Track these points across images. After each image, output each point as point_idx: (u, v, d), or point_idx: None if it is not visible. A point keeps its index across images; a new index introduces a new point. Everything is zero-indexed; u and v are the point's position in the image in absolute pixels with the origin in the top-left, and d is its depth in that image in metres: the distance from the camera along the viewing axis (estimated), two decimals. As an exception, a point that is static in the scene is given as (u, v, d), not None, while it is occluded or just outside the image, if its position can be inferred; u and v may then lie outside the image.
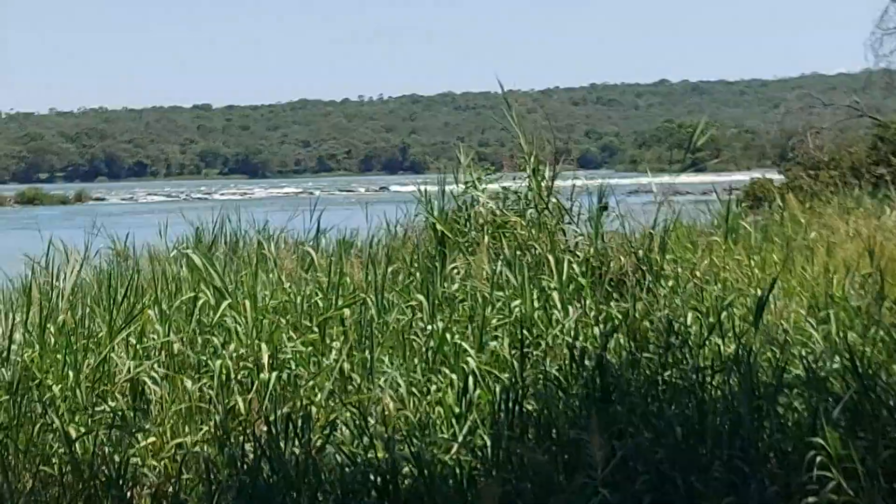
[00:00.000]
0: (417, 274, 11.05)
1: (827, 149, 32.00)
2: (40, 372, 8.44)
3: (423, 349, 9.16)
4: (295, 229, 14.57)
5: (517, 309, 9.68)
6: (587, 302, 10.10)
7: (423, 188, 13.01)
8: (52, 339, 8.89)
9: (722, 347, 8.28)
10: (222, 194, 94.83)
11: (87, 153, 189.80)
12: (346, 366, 8.79)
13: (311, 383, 8.68)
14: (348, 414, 7.93)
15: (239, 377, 8.76)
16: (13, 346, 8.69)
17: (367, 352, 8.79)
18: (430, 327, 9.30)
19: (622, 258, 11.07)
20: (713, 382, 7.52)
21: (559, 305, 9.79)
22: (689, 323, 9.22)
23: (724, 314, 8.98)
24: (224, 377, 8.58)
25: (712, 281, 11.05)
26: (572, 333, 9.01)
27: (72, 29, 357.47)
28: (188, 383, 8.56)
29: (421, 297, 9.86)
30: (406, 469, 6.89)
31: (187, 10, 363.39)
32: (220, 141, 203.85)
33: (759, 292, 9.76)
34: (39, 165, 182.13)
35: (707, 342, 8.40)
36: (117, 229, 15.54)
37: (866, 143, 30.49)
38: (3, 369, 8.38)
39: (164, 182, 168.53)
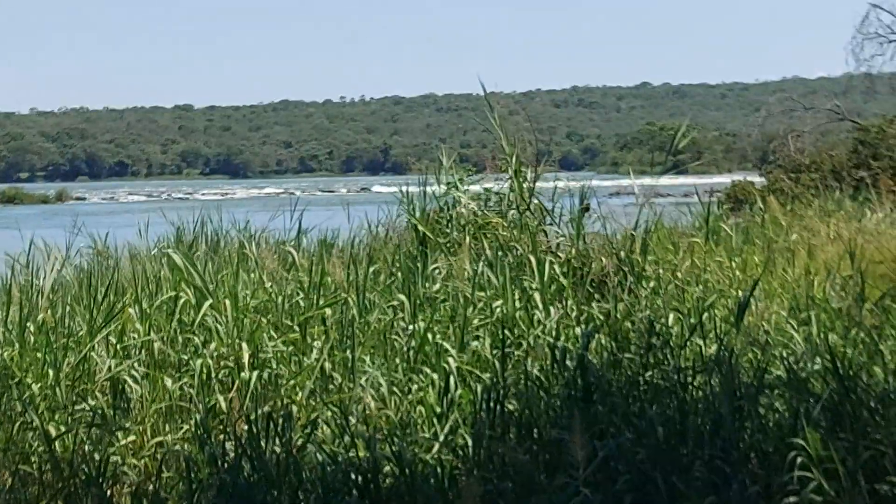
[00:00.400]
0: (399, 274, 11.04)
1: (808, 152, 32.10)
2: (20, 370, 8.41)
3: (405, 349, 9.15)
4: (276, 229, 14.57)
5: (499, 309, 9.68)
6: (569, 302, 10.11)
7: (404, 189, 13.01)
8: (32, 338, 8.86)
9: (703, 348, 8.29)
10: (203, 194, 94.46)
11: (68, 153, 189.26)
12: (328, 365, 8.78)
13: (292, 382, 8.67)
14: (329, 413, 7.92)
15: (220, 376, 8.75)
16: (-8, 345, 8.67)
17: (348, 351, 8.77)
18: (411, 327, 9.29)
19: (604, 259, 11.07)
20: (694, 383, 7.53)
21: (541, 306, 9.79)
22: (670, 324, 9.23)
23: (705, 315, 9.00)
24: (205, 376, 8.56)
25: (693, 282, 11.07)
26: (554, 334, 9.01)
27: (53, 28, 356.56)
28: (168, 382, 8.54)
29: (402, 297, 9.85)
30: (387, 468, 6.89)
31: (169, 9, 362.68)
32: (202, 141, 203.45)
33: (740, 293, 9.79)
34: (20, 165, 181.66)
35: (688, 343, 8.41)
36: (98, 229, 15.50)
37: (847, 146, 30.58)
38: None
39: (145, 182, 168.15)
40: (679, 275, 11.15)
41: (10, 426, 7.86)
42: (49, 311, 9.31)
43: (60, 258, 10.66)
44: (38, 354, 8.57)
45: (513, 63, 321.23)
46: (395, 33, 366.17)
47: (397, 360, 8.95)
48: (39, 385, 8.26)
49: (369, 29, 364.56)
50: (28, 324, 8.96)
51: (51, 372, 8.38)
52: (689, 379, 7.51)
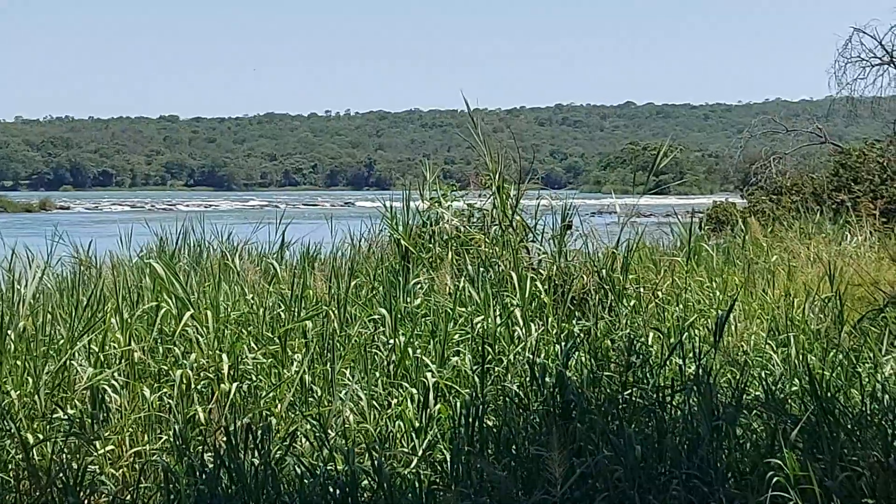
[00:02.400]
0: (380, 288, 11.05)
1: (789, 174, 32.21)
2: (-2, 378, 8.38)
3: (385, 363, 9.16)
4: (259, 242, 14.53)
5: (479, 325, 9.69)
6: (549, 320, 10.13)
7: (388, 203, 13.01)
8: (12, 346, 8.82)
9: (683, 367, 8.32)
10: (187, 206, 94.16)
11: (53, 162, 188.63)
12: (308, 378, 8.78)
13: (271, 394, 8.67)
14: (308, 426, 7.93)
15: (199, 387, 8.73)
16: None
17: (328, 364, 8.78)
18: (391, 341, 9.30)
19: (585, 277, 11.11)
20: (673, 402, 7.56)
21: (521, 322, 9.82)
22: (649, 342, 9.27)
23: (684, 335, 9.03)
24: (184, 387, 8.55)
25: (674, 301, 11.11)
26: (534, 350, 9.03)
27: (39, 37, 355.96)
28: (148, 392, 8.52)
29: (383, 311, 9.86)
30: (365, 482, 6.90)
31: (156, 20, 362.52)
32: (187, 153, 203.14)
33: (720, 313, 9.84)
34: (4, 173, 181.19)
35: (668, 362, 8.44)
36: (81, 238, 15.44)
37: (828, 169, 30.67)
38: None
39: (129, 192, 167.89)
40: (659, 294, 11.19)
41: (-13, 434, 7.83)
42: (30, 319, 9.27)
43: (42, 266, 10.60)
44: (18, 362, 8.53)
45: (498, 80, 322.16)
46: (381, 48, 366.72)
47: (377, 374, 8.96)
48: (18, 393, 8.22)
49: (355, 44, 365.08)
50: (8, 331, 8.92)
51: (30, 380, 8.34)
52: (668, 398, 7.54)
